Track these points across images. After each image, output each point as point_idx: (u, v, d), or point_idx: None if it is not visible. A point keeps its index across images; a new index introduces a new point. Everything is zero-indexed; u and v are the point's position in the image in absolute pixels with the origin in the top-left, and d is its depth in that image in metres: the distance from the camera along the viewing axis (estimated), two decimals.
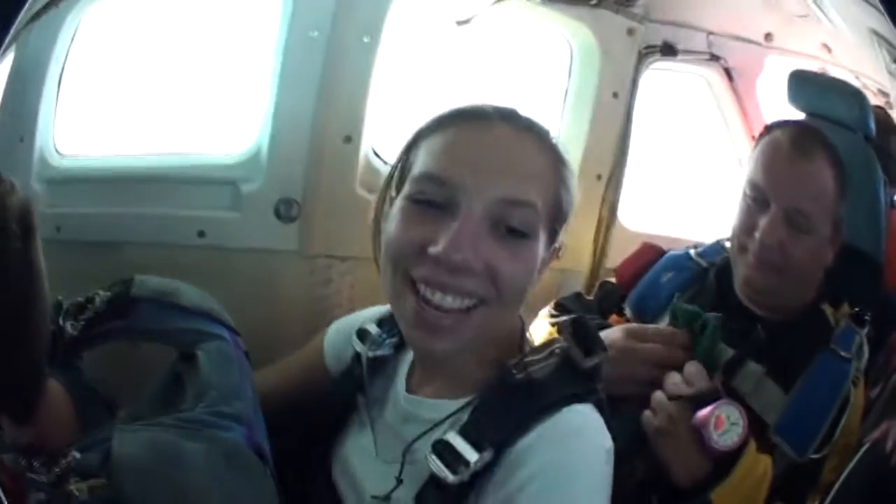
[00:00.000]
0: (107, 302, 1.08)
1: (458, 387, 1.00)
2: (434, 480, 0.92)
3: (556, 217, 0.98)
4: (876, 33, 1.39)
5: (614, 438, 0.94)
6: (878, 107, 1.52)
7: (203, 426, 0.95)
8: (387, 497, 0.99)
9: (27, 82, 1.31)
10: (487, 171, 0.93)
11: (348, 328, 1.21)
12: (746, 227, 1.26)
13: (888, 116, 1.51)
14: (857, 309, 1.28)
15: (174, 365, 1.10)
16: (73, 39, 1.40)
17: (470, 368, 1.00)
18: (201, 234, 1.51)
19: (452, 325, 0.94)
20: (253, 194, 1.52)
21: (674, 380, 1.15)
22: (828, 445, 1.18)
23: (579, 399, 0.94)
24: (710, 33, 1.74)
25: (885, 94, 1.54)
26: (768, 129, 1.34)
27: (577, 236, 1.73)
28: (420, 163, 0.97)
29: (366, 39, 1.50)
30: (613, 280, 1.44)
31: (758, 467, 1.11)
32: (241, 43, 1.56)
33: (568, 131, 1.74)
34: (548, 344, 1.00)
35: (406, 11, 1.54)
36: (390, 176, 1.02)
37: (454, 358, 1.00)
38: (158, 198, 1.50)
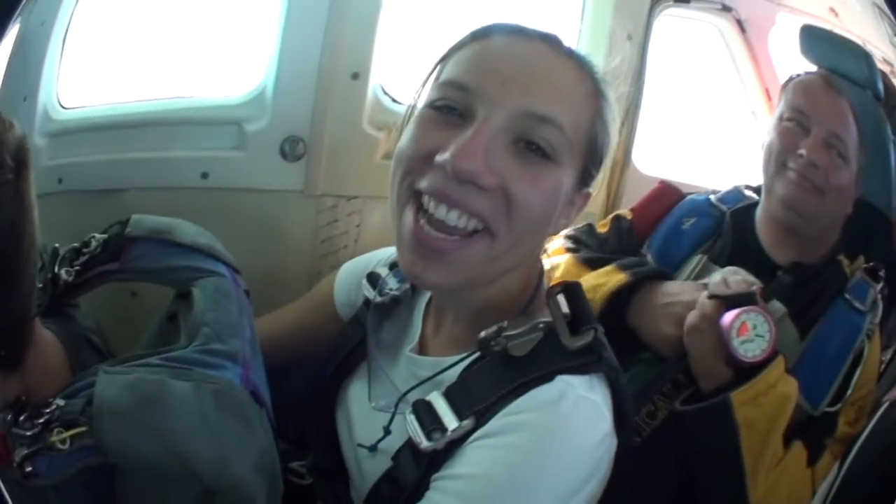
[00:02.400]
0: (102, 244, 1.05)
1: (465, 340, 0.94)
2: (410, 443, 0.87)
3: (590, 153, 0.91)
4: (878, 7, 1.37)
5: (633, 382, 0.92)
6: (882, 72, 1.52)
7: (193, 365, 0.91)
8: (373, 447, 0.96)
9: (31, 45, 1.26)
10: (514, 81, 0.86)
11: (359, 271, 1.16)
12: (788, 146, 1.25)
13: (891, 83, 1.51)
14: (871, 263, 1.27)
15: (171, 305, 1.07)
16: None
17: (478, 318, 0.93)
18: (204, 175, 1.46)
19: (450, 251, 0.86)
20: (258, 133, 1.48)
21: (716, 279, 1.15)
22: (842, 399, 1.17)
23: (574, 372, 0.86)
24: None
25: (889, 64, 1.53)
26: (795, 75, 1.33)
27: None
28: (446, 72, 0.91)
29: None
30: (627, 215, 1.40)
31: (784, 385, 1.09)
32: None
33: None
34: (532, 315, 0.92)
35: None
36: (417, 92, 0.95)
37: (460, 302, 0.95)
38: (160, 141, 1.46)
